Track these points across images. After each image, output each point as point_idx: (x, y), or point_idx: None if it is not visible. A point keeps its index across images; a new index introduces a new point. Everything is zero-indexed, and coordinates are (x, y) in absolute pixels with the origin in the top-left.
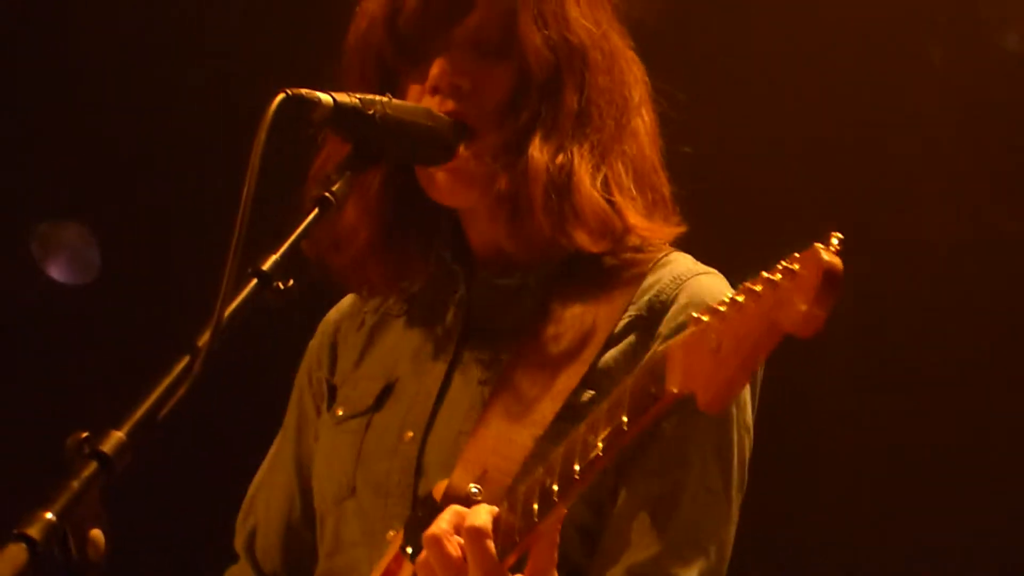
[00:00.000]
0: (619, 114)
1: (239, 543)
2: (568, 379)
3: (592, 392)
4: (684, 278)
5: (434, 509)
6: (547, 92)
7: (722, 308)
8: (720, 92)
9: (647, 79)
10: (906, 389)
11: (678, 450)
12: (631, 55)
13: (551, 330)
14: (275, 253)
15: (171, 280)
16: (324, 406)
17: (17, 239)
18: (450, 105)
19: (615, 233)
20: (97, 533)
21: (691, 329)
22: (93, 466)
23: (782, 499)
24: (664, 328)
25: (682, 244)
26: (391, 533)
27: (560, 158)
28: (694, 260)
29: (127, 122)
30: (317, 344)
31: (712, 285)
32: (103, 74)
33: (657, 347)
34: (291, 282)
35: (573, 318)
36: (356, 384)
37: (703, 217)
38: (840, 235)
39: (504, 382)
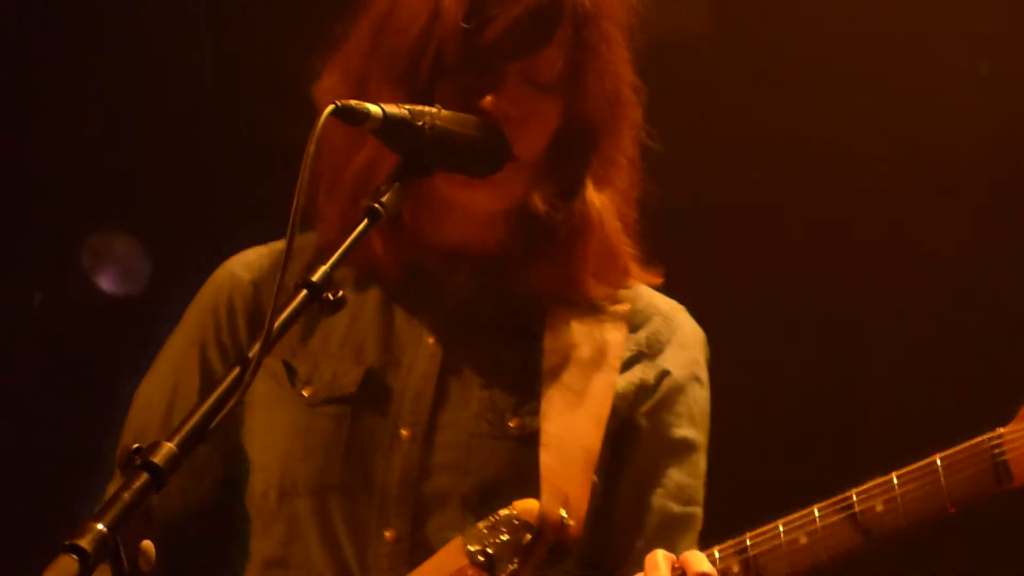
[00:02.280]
0: (628, 156)
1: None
2: (601, 407)
3: (615, 422)
4: (672, 319)
5: (524, 527)
6: (595, 139)
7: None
8: (761, 111)
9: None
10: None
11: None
12: (636, 95)
13: (559, 348)
14: (325, 264)
15: None
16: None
17: (68, 251)
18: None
19: (621, 281)
20: (148, 544)
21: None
22: (144, 477)
23: None
24: (671, 365)
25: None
26: (387, 533)
27: (605, 208)
28: (657, 293)
29: (177, 133)
30: (225, 303)
31: (693, 327)
32: (153, 85)
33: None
34: (341, 293)
35: (577, 339)
36: (317, 363)
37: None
38: None
39: (548, 404)
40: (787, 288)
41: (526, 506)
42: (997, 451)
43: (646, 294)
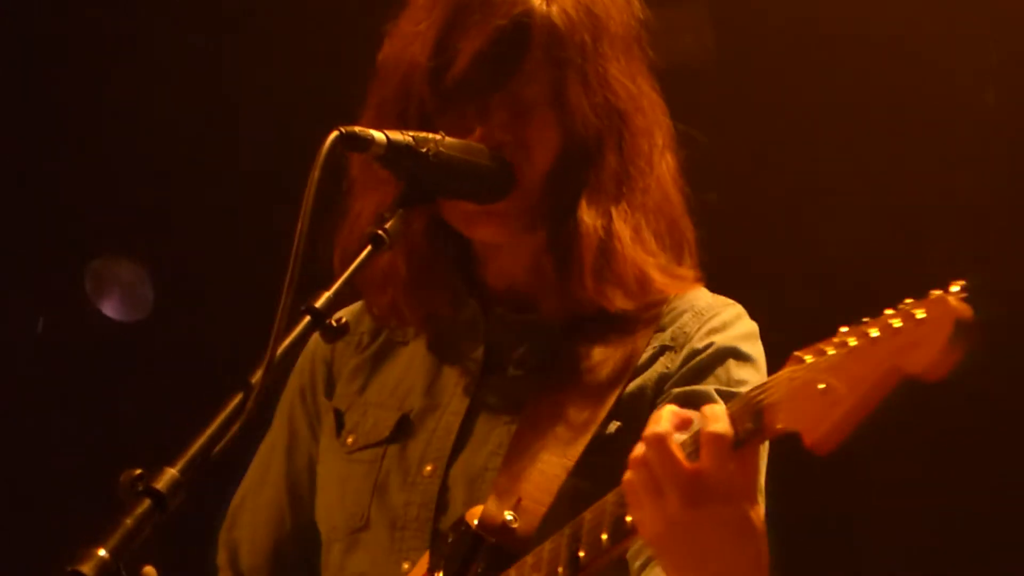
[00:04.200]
0: (648, 166)
1: (222, 558)
2: (596, 411)
3: (619, 423)
4: (706, 312)
5: (468, 533)
6: (591, 153)
7: (829, 350)
8: (766, 136)
9: (669, 121)
10: None
11: None
12: (658, 99)
13: (576, 365)
14: (328, 290)
15: (224, 317)
16: (322, 428)
17: (72, 277)
18: None
19: (644, 291)
20: (150, 570)
21: (791, 368)
22: (147, 503)
23: None
24: (698, 346)
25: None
26: (405, 565)
27: (605, 221)
28: (710, 293)
29: (181, 160)
30: (309, 362)
31: (735, 315)
32: (158, 112)
33: (758, 386)
34: (344, 320)
35: (597, 354)
36: (365, 412)
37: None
38: (962, 282)
39: (532, 413)
40: (788, 308)
41: (474, 512)
42: (757, 400)
43: (689, 296)
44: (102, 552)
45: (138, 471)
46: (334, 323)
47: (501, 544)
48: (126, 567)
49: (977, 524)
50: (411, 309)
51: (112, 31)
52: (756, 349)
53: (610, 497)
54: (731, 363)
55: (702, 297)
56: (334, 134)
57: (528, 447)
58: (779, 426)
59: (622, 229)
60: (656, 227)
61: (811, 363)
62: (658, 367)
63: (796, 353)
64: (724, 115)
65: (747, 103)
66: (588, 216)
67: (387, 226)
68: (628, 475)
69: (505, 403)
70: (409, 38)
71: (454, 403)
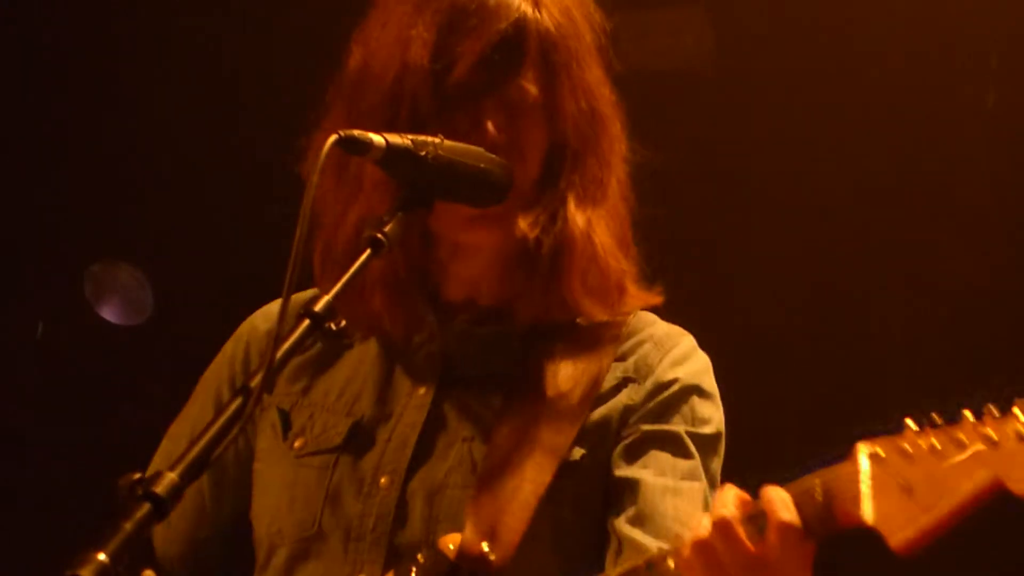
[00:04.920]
0: (620, 174)
1: None
2: (562, 436)
3: (583, 450)
4: (665, 343)
5: (444, 561)
6: (576, 157)
7: (908, 448)
8: (766, 139)
9: (623, 136)
10: None
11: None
12: (617, 108)
13: (537, 384)
14: (327, 294)
15: (224, 321)
16: (259, 424)
17: (71, 281)
18: None
19: (619, 303)
20: (150, 574)
21: (867, 462)
22: (146, 507)
23: None
24: (661, 382)
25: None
26: None
27: (590, 226)
28: (660, 320)
29: (179, 165)
30: (242, 352)
31: (692, 347)
32: (156, 117)
33: (827, 473)
34: (343, 323)
35: (558, 373)
36: (312, 415)
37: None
38: None
39: (500, 434)
40: (787, 310)
41: (449, 539)
42: (825, 488)
43: (644, 322)
44: (101, 556)
45: (137, 475)
46: (334, 327)
47: (476, 574)
48: (125, 571)
49: None
50: (378, 318)
51: (113, 34)
52: (713, 384)
53: (641, 568)
54: (695, 400)
55: (658, 325)
56: (333, 138)
57: (499, 470)
58: (864, 520)
59: (603, 235)
60: (623, 236)
61: (892, 462)
62: (622, 398)
63: (865, 444)
64: (723, 117)
65: (746, 105)
66: (578, 218)
67: (386, 229)
68: (689, 555)
69: (464, 418)
70: (400, 42)
71: (409, 414)
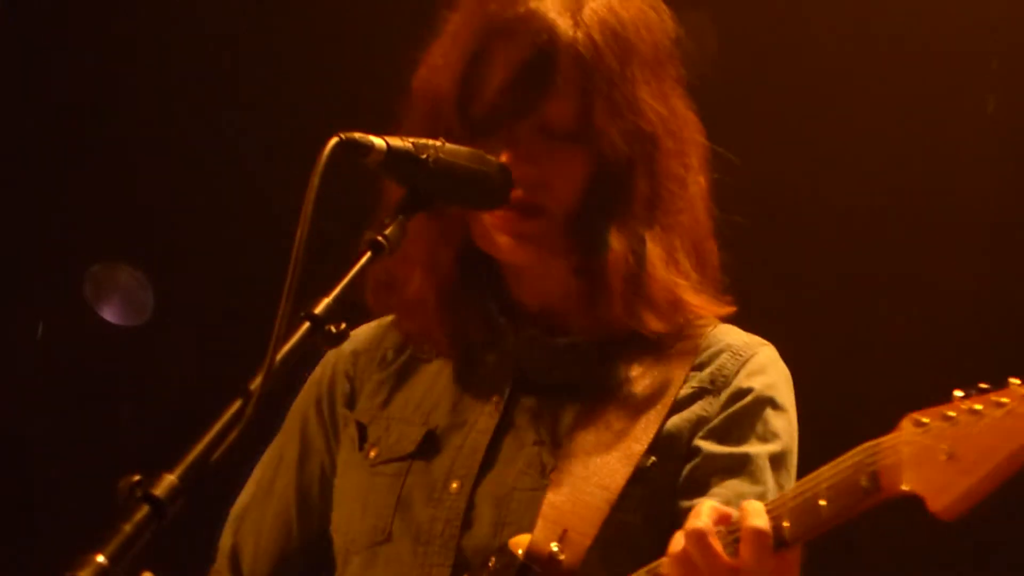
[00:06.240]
0: (681, 187)
1: (220, 564)
2: (636, 444)
3: (655, 458)
4: (743, 352)
5: (513, 562)
6: (621, 179)
7: (952, 413)
8: (767, 144)
9: (705, 140)
10: None
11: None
12: (692, 117)
13: (612, 393)
14: (327, 296)
15: (224, 322)
16: (340, 440)
17: (71, 282)
18: (519, 194)
19: (677, 314)
20: None
21: (911, 430)
22: (145, 510)
23: None
24: (736, 392)
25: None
26: None
27: (636, 246)
28: (741, 331)
29: (181, 164)
30: (329, 374)
31: (771, 359)
32: (156, 117)
33: (870, 446)
34: (343, 325)
35: (632, 382)
36: (389, 426)
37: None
38: None
39: (571, 444)
40: (786, 310)
41: (519, 541)
42: (870, 460)
43: (722, 332)
44: (100, 558)
45: (137, 477)
46: (333, 329)
47: (546, 575)
48: (124, 573)
49: None
50: (442, 335)
51: (113, 35)
52: (790, 397)
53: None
54: (769, 412)
55: (737, 335)
56: (334, 140)
57: (571, 475)
58: (903, 487)
59: (654, 252)
60: (687, 248)
61: (934, 427)
62: (696, 409)
63: (913, 414)
64: (721, 121)
65: (745, 111)
66: (618, 243)
67: (387, 232)
68: (667, 567)
69: (534, 424)
70: (438, 69)
71: (481, 421)
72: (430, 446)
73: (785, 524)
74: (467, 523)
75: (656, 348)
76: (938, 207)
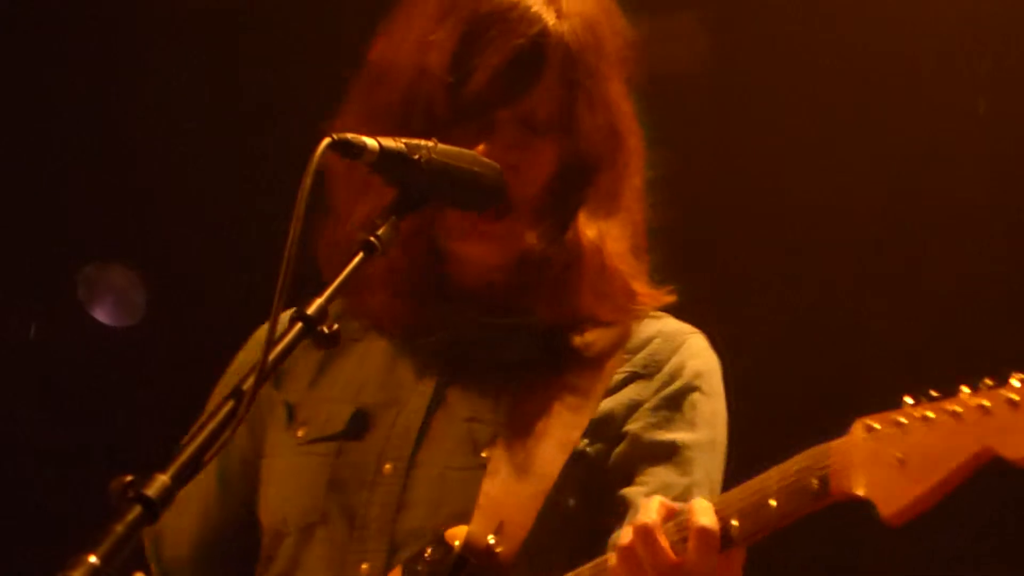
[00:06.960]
0: (634, 183)
1: (148, 550)
2: (573, 429)
3: (590, 441)
4: (675, 339)
5: (449, 553)
6: (590, 172)
7: (903, 420)
8: (759, 145)
9: (641, 147)
10: None
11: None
12: (634, 124)
13: (548, 377)
14: (320, 297)
15: (216, 323)
16: (268, 421)
17: (64, 282)
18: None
19: (629, 302)
20: None
21: (862, 435)
22: (137, 510)
23: None
24: (667, 379)
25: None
26: (365, 565)
27: (600, 237)
28: (674, 318)
29: (174, 165)
30: (254, 356)
31: (702, 346)
32: (150, 118)
33: (822, 449)
34: (335, 326)
35: (569, 367)
36: (317, 406)
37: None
38: None
39: (506, 430)
40: (784, 310)
41: (456, 532)
42: (821, 463)
43: (655, 320)
44: (92, 559)
45: (129, 477)
46: (326, 330)
47: (483, 567)
48: (116, 574)
49: None
50: (383, 312)
51: (111, 35)
52: (719, 384)
53: (586, 570)
54: (697, 397)
55: (670, 322)
56: (326, 141)
57: (507, 463)
58: (855, 491)
59: (614, 245)
60: (635, 240)
61: (885, 433)
62: (629, 392)
63: (864, 419)
64: (717, 123)
65: (739, 112)
66: (589, 231)
67: (379, 233)
68: (613, 561)
69: (468, 402)
70: (420, 46)
71: (414, 400)
72: (360, 425)
73: (734, 523)
74: (402, 505)
75: (593, 333)
76: (928, 208)
